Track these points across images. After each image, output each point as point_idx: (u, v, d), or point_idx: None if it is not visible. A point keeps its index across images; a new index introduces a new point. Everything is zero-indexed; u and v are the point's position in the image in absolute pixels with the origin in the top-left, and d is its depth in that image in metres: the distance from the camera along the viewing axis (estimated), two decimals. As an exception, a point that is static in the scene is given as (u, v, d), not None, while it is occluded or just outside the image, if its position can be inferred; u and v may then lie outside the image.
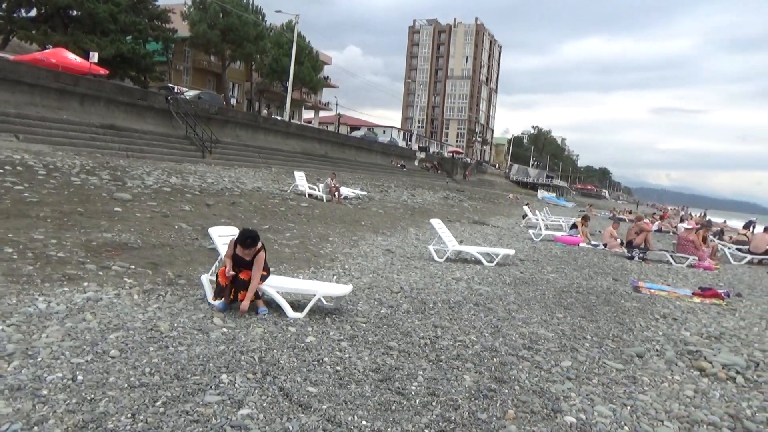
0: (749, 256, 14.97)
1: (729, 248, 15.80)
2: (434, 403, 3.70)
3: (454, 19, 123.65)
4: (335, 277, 7.81)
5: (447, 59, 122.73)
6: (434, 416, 3.51)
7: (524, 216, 24.77)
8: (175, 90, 31.31)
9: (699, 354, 5.40)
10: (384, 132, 74.97)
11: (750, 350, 5.74)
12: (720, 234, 19.62)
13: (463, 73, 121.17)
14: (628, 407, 4.00)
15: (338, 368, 4.16)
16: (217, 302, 5.46)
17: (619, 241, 14.74)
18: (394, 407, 3.58)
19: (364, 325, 5.39)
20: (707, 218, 44.19)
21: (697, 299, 8.46)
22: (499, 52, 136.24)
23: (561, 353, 5.07)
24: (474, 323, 5.82)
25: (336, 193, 19.20)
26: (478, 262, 10.23)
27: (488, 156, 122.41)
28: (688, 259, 12.83)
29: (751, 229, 36.77)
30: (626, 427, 3.68)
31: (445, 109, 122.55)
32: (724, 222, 39.87)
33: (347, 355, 4.46)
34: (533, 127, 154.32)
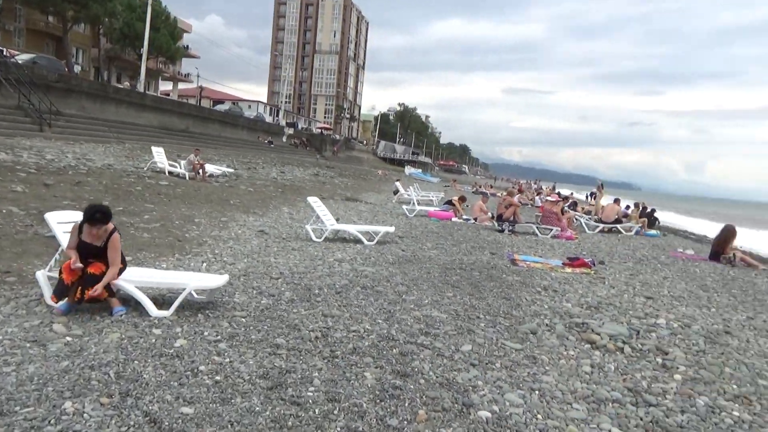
0: (601, 225, 16.23)
1: (583, 218, 17.03)
2: (336, 411, 3.20)
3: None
4: (205, 264, 6.97)
5: (315, 33, 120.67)
6: (338, 429, 3.01)
7: (395, 192, 24.95)
8: (4, 53, 27.14)
9: (586, 326, 5.44)
10: (250, 107, 72.08)
11: (627, 318, 5.93)
12: (573, 205, 21.15)
13: (331, 48, 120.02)
14: (536, 392, 3.81)
15: (218, 378, 3.49)
16: (58, 304, 4.47)
17: (489, 215, 15.21)
18: (290, 422, 3.02)
19: (244, 320, 4.73)
20: (557, 191, 48.11)
21: (568, 269, 8.79)
22: (367, 29, 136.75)
23: (459, 336, 4.81)
24: (365, 309, 5.39)
25: (200, 171, 17.78)
26: (358, 241, 9.85)
27: (356, 133, 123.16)
28: (552, 230, 13.53)
29: (592, 198, 40.50)
30: (539, 415, 3.46)
31: (313, 84, 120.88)
32: (571, 194, 43.59)
33: (228, 360, 3.80)
34: (399, 104, 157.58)
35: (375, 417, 3.18)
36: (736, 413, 3.74)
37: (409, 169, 66.85)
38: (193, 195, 13.77)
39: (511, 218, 13.90)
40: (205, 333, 4.30)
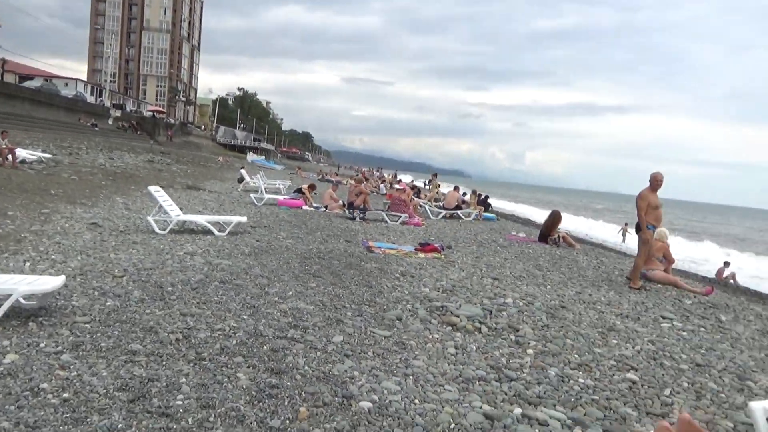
0: (444, 211, 17.21)
1: (427, 205, 17.91)
2: (212, 419, 2.96)
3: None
4: (28, 264, 6.07)
5: (142, 8, 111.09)
6: (218, 438, 2.78)
7: (240, 180, 24.12)
8: None
9: (445, 309, 5.70)
10: (67, 84, 64.40)
11: (480, 299, 6.33)
12: (417, 193, 22.15)
13: (161, 26, 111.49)
14: (410, 377, 3.89)
15: (66, 395, 3.04)
16: None
17: (341, 202, 15.31)
18: (162, 438, 2.72)
19: (88, 326, 4.19)
20: (398, 178, 50.06)
21: (421, 255, 9.17)
22: (201, 7, 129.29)
23: (329, 327, 4.75)
24: (227, 305, 5.09)
25: (10, 156, 15.49)
26: (208, 232, 9.30)
27: (192, 117, 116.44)
28: (400, 217, 14.02)
29: (427, 185, 42.72)
30: (416, 400, 3.53)
31: (142, 63, 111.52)
32: (412, 181, 45.73)
33: (75, 373, 3.33)
34: (239, 88, 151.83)
35: (255, 420, 3.00)
36: (581, 380, 4.16)
37: (251, 156, 65.00)
38: (3, 184, 11.96)
39: (362, 206, 14.14)
40: (42, 344, 3.73)
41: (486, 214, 18.44)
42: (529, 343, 4.91)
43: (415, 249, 9.67)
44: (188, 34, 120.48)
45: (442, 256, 9.22)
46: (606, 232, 29.43)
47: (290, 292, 5.79)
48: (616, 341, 5.24)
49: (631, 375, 4.32)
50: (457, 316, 5.46)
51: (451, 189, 18.72)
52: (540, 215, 36.90)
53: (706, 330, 6.11)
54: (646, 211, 8.12)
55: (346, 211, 14.18)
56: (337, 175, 45.06)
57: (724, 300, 8.40)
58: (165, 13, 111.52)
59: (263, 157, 69.54)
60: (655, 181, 8.23)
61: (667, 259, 9.04)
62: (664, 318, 6.38)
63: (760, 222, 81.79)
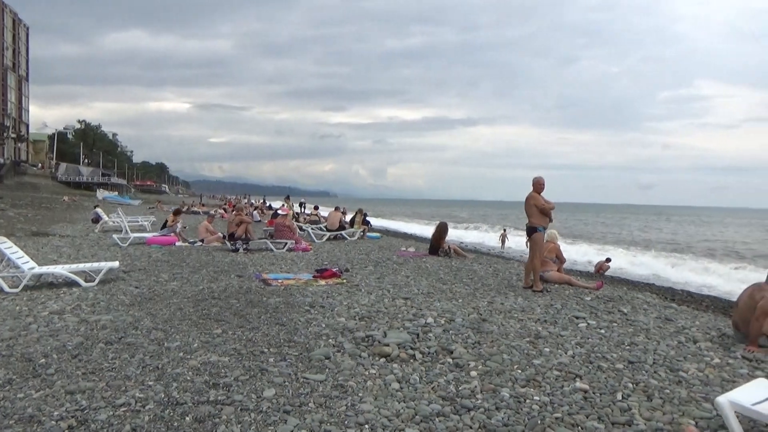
0: (328, 233, 16.78)
1: (311, 228, 17.36)
2: None
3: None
4: None
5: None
6: None
7: (95, 220, 21.87)
8: None
9: (372, 339, 5.30)
10: None
11: (401, 322, 5.99)
12: (296, 217, 21.49)
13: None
14: (366, 426, 3.43)
15: None
16: None
17: (220, 234, 14.28)
18: None
19: (-59, 429, 3.20)
20: (267, 203, 48.69)
21: (322, 282, 8.67)
22: (27, 34, 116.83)
23: (254, 380, 4.12)
24: (124, 371, 4.24)
25: None
26: (72, 284, 8.04)
27: (26, 155, 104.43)
28: (286, 243, 13.36)
29: (303, 208, 42.19)
30: (383, 454, 3.08)
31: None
32: (283, 206, 44.62)
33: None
34: (80, 121, 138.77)
35: None
36: (536, 397, 3.97)
37: (102, 193, 59.65)
38: None
39: (244, 236, 13.27)
40: None
41: (370, 233, 18.31)
42: (469, 365, 4.66)
43: (314, 276, 9.15)
44: (13, 64, 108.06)
45: (344, 281, 8.80)
46: (483, 239, 30.79)
47: (195, 344, 5.03)
48: (548, 349, 5.17)
49: (580, 384, 4.22)
50: (387, 345, 5.08)
51: (332, 210, 18.36)
52: (416, 228, 37.86)
53: (618, 324, 6.32)
54: (536, 214, 8.37)
55: (227, 243, 13.22)
56: (203, 206, 42.70)
57: (613, 293, 8.89)
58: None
59: (116, 193, 64.18)
60: (538, 185, 8.52)
61: (559, 259, 9.43)
62: (577, 318, 6.52)
63: (592, 216, 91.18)
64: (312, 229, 17.19)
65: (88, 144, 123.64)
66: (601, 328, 6.07)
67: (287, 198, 22.66)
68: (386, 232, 25.20)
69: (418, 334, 5.49)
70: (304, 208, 44.01)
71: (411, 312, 6.54)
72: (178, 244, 14.16)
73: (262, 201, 50.45)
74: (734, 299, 10.99)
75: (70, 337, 5.18)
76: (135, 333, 5.37)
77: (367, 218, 21.43)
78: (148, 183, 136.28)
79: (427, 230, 35.54)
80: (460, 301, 7.41)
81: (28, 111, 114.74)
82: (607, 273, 16.00)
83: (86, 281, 8.11)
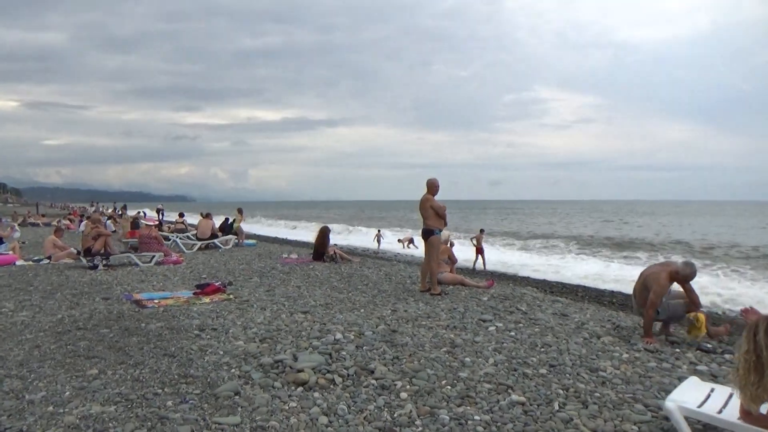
0: (199, 243, 15.54)
1: (178, 237, 15.98)
2: None
3: None
4: None
5: None
6: None
7: None
8: None
9: (281, 364, 4.75)
10: None
11: (307, 342, 5.48)
12: (159, 225, 19.75)
13: None
14: (306, 478, 2.93)
15: None
16: None
17: (72, 250, 12.55)
18: None
19: None
20: (119, 211, 44.62)
21: (206, 299, 7.85)
22: None
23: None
24: (-26, 442, 3.30)
25: None
26: None
27: None
28: (154, 256, 12.09)
29: (161, 216, 39.41)
30: None
31: None
32: (138, 212, 41.14)
33: None
34: None
35: None
36: (477, 417, 3.73)
37: None
38: None
39: (103, 250, 11.77)
40: None
41: (247, 241, 17.30)
42: (395, 385, 4.31)
43: (195, 293, 8.27)
44: None
45: (231, 296, 8.05)
46: (356, 240, 30.68)
47: (66, 392, 4.12)
48: (468, 358, 4.99)
49: (516, 397, 4.05)
50: (302, 371, 4.56)
51: (201, 217, 17.03)
52: (288, 233, 36.86)
53: (524, 325, 6.36)
54: (432, 217, 8.28)
55: (83, 260, 11.63)
56: (43, 216, 37.94)
57: (503, 290, 9.10)
58: None
59: (-72, 205, 54.85)
60: (433, 187, 8.45)
61: (451, 259, 9.45)
62: (484, 321, 6.47)
63: (449, 213, 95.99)
64: (180, 238, 15.83)
65: None
66: (509, 330, 6.06)
67: (124, 207, 20.75)
68: (260, 238, 24.08)
69: (330, 354, 5.03)
70: (163, 215, 40.96)
71: (315, 328, 6.06)
72: (19, 263, 12.20)
73: (121, 208, 45.98)
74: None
75: None
76: (-20, 384, 4.30)
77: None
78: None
79: (301, 234, 34.86)
80: (362, 310, 7.05)
81: None
82: (487, 268, 16.53)
83: None
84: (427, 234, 8.36)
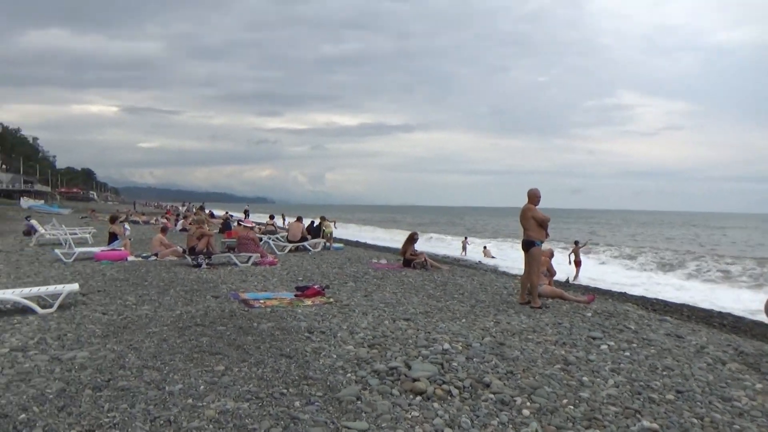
0: (290, 245, 16.06)
1: (270, 239, 16.58)
2: None
3: None
4: None
5: None
6: None
7: (28, 232, 20.22)
8: None
9: (396, 372, 4.81)
10: None
11: (416, 350, 5.52)
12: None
13: None
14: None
15: None
16: None
17: (177, 248, 13.33)
18: None
19: None
20: (207, 210, 46.86)
21: (308, 301, 8.09)
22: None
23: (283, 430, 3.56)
24: (128, 427, 3.57)
25: None
26: (26, 310, 7.11)
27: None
28: (251, 257, 12.61)
29: (247, 216, 41.01)
30: None
31: None
32: (226, 213, 43.05)
33: None
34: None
35: None
36: (608, 439, 3.63)
37: (26, 202, 55.69)
38: None
39: (206, 250, 12.42)
40: None
41: (335, 245, 17.70)
42: (514, 401, 4.26)
43: (296, 295, 8.54)
44: None
45: (331, 300, 8.25)
46: (439, 247, 30.68)
47: (201, 386, 4.37)
48: (586, 377, 4.85)
49: (646, 423, 3.90)
50: (418, 380, 4.61)
51: (293, 220, 17.61)
52: (368, 237, 37.39)
53: (637, 344, 6.11)
54: (534, 228, 8.13)
55: (188, 258, 12.31)
56: (142, 215, 40.49)
57: (605, 306, 8.78)
58: None
59: (42, 202, 60.12)
60: (534, 197, 8.30)
61: (550, 272, 9.24)
62: (594, 338, 6.27)
63: None
64: (272, 240, 16.41)
65: (6, 149, 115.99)
66: (623, 350, 5.83)
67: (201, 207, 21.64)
68: (346, 242, 24.57)
69: (442, 364, 5.05)
70: (248, 216, 42.62)
71: (420, 336, 6.09)
72: (130, 258, 13.10)
73: (199, 207, 48.22)
74: (704, 306, 11.09)
75: (46, 382, 4.40)
76: (124, 374, 4.64)
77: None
78: (75, 190, 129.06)
79: (382, 238, 35.22)
80: (464, 321, 7.02)
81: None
82: (577, 282, 16.03)
83: (42, 307, 7.18)
84: (527, 245, 8.21)
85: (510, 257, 26.40)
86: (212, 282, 9.90)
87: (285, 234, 17.34)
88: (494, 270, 17.04)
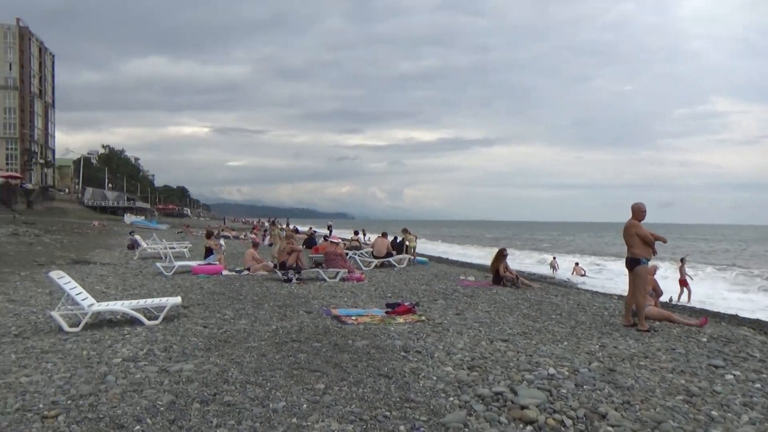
0: (375, 261, 16.09)
1: (356, 254, 16.70)
2: None
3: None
4: None
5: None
6: None
7: (131, 246, 21.51)
8: None
9: (501, 398, 4.57)
10: None
11: (519, 375, 5.25)
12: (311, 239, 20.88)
13: (7, 83, 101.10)
14: None
15: None
16: None
17: (269, 263, 13.70)
18: None
19: None
20: (292, 226, 48.19)
21: (400, 319, 7.98)
22: (53, 62, 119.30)
23: (399, 460, 3.42)
24: (239, 445, 3.57)
25: None
26: (131, 321, 7.46)
27: (52, 180, 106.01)
28: (339, 272, 12.71)
29: (330, 231, 41.69)
30: None
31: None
32: (310, 228, 44.14)
33: None
34: (104, 146, 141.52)
35: None
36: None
37: (129, 218, 59.77)
38: None
39: (295, 265, 12.66)
40: None
41: (419, 259, 17.59)
42: (636, 436, 3.91)
43: (387, 312, 8.46)
44: (40, 91, 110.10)
45: (422, 317, 8.10)
46: (528, 263, 29.88)
47: (304, 404, 4.34)
48: (714, 411, 4.39)
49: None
50: (526, 407, 4.35)
51: (377, 236, 17.68)
52: (449, 251, 37.02)
53: (768, 375, 5.51)
54: (639, 245, 7.61)
55: (278, 273, 12.59)
56: (232, 230, 42.30)
57: (719, 330, 8.06)
58: (10, 69, 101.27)
59: (143, 218, 64.33)
60: (639, 212, 7.79)
61: (656, 292, 8.63)
62: (716, 367, 5.72)
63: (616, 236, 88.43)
64: (358, 255, 16.52)
65: (113, 169, 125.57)
66: (752, 381, 5.27)
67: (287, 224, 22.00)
68: (429, 257, 24.37)
69: (550, 391, 4.75)
70: (331, 232, 43.46)
71: (521, 359, 5.80)
72: (224, 272, 13.59)
73: (286, 223, 49.75)
74: None
75: (157, 394, 4.53)
76: (228, 388, 4.70)
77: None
78: (171, 207, 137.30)
79: (467, 253, 34.68)
80: (565, 343, 6.64)
81: (54, 137, 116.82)
82: (682, 303, 14.98)
83: (149, 319, 7.52)
84: (632, 263, 7.69)
85: (603, 275, 25.18)
86: (303, 297, 10.03)
87: (369, 249, 17.40)
88: (589, 289, 16.21)
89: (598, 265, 30.48)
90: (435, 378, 5.12)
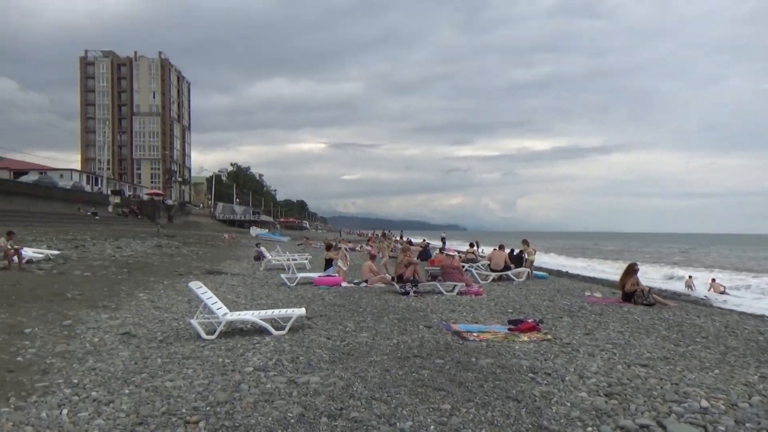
0: (493, 274, 15.69)
1: (473, 267, 16.40)
2: None
3: (135, 53, 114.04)
4: (65, 411, 4.54)
5: (131, 94, 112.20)
6: None
7: (257, 258, 22.70)
8: None
9: (647, 431, 4.14)
10: (62, 176, 63.54)
11: (666, 407, 4.74)
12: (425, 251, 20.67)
13: (151, 110, 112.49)
14: None
15: None
16: None
17: (386, 276, 13.82)
18: None
19: None
20: (405, 238, 48.63)
21: (524, 337, 7.62)
22: (188, 89, 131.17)
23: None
24: (369, 465, 3.52)
25: (15, 258, 14.02)
26: (260, 331, 7.78)
27: (189, 196, 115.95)
28: (456, 286, 12.51)
29: (444, 243, 41.38)
30: None
31: (135, 147, 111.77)
32: (423, 240, 44.24)
33: None
34: (232, 164, 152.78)
35: None
36: None
37: (254, 230, 63.58)
38: (14, 291, 10.44)
39: (412, 278, 12.64)
40: None
41: (538, 273, 16.93)
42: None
43: (509, 329, 8.13)
44: (178, 116, 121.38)
45: (549, 336, 7.68)
46: (654, 277, 27.76)
47: (431, 426, 4.22)
48: None
49: None
50: (677, 443, 3.90)
51: (494, 248, 17.25)
52: (569, 264, 35.30)
53: None
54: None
55: (396, 285, 12.64)
56: (349, 242, 43.54)
57: None
58: (154, 97, 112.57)
59: (266, 230, 68.18)
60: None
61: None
62: None
63: (760, 250, 78.65)
64: (475, 269, 16.20)
65: (240, 185, 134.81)
66: None
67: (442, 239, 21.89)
68: (547, 270, 23.43)
69: (705, 427, 4.24)
70: (445, 243, 43.28)
71: (666, 387, 5.27)
72: (343, 284, 13.90)
73: (400, 235, 50.31)
74: None
75: (287, 405, 4.63)
76: (354, 404, 4.70)
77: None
78: (291, 219, 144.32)
79: (589, 267, 32.85)
80: (716, 372, 5.95)
81: (190, 157, 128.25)
82: None
83: (276, 329, 7.81)
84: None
85: (748, 293, 22.69)
86: (422, 311, 9.95)
87: (486, 262, 17.00)
88: (734, 310, 14.63)
89: (742, 281, 27.51)
90: (569, 404, 4.77)
